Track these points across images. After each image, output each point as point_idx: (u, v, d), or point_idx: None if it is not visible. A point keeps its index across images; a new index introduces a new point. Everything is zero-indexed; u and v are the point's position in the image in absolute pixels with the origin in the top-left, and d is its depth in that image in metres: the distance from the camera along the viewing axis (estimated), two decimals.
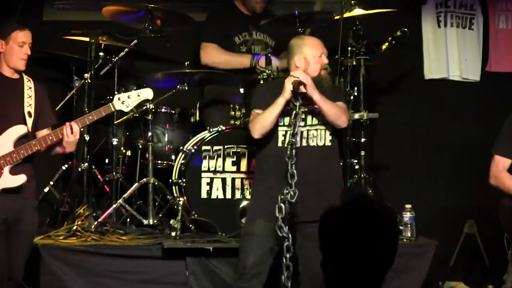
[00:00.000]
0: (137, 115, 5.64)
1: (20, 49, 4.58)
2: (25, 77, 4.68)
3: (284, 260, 4.41)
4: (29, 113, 4.58)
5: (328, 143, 4.74)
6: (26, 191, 4.59)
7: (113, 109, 4.70)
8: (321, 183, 4.63)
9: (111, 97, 5.76)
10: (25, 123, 4.56)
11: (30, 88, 4.65)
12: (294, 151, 4.49)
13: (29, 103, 4.59)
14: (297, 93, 4.56)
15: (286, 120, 4.67)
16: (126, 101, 4.69)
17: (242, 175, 5.46)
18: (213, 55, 5.95)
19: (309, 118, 4.73)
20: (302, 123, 4.68)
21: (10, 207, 4.53)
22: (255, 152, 4.98)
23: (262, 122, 4.67)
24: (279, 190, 4.48)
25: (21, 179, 4.52)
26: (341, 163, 5.10)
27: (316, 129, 4.72)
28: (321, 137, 4.72)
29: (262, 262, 4.63)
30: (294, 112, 4.55)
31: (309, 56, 4.74)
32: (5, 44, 4.58)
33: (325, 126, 4.72)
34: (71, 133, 4.53)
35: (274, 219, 4.47)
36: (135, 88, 4.75)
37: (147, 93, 4.76)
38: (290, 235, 4.42)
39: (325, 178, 4.67)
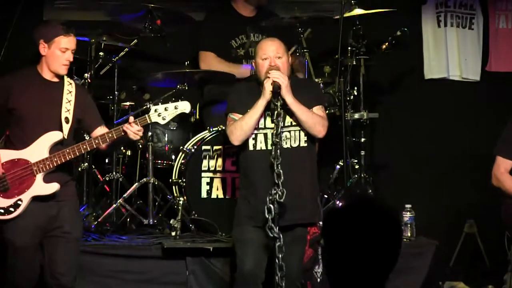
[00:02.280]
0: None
1: (62, 54, 4.44)
2: (67, 80, 4.55)
3: (276, 261, 4.39)
4: (66, 118, 4.45)
5: (303, 144, 4.66)
6: (61, 195, 4.44)
7: (148, 121, 4.51)
8: (295, 186, 4.52)
9: (110, 97, 5.80)
10: (60, 129, 4.44)
11: (70, 92, 4.52)
12: (278, 151, 4.45)
13: (67, 109, 4.47)
14: (278, 93, 4.53)
15: (267, 123, 4.63)
16: (162, 113, 4.51)
17: None
18: (213, 66, 5.94)
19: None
20: (271, 125, 4.60)
21: (44, 213, 4.41)
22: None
23: (242, 127, 4.59)
24: (261, 193, 4.49)
25: (53, 187, 4.40)
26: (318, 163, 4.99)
27: (289, 131, 4.63)
28: (295, 139, 4.64)
29: (257, 266, 4.59)
30: (276, 112, 4.52)
31: (256, 60, 4.72)
32: (48, 48, 4.45)
33: (299, 127, 4.64)
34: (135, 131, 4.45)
35: (260, 222, 4.47)
36: (173, 99, 4.64)
37: (184, 106, 4.57)
38: (281, 235, 4.41)
39: (299, 181, 4.58)
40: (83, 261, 5.12)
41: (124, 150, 5.82)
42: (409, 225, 5.48)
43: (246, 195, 4.67)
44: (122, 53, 5.77)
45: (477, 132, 6.53)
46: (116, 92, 5.78)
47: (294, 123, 4.63)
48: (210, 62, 5.98)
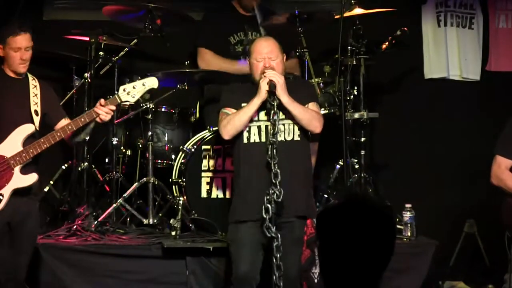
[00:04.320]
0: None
1: (15, 54, 4.54)
2: (30, 76, 4.66)
3: (274, 260, 4.40)
4: (36, 111, 4.55)
5: (296, 138, 4.67)
6: (34, 191, 4.58)
7: (119, 101, 4.61)
8: (288, 180, 4.51)
9: (110, 96, 5.79)
10: (32, 122, 4.54)
11: (35, 86, 4.63)
12: (275, 150, 4.48)
13: (35, 102, 4.56)
14: (273, 93, 4.54)
15: (260, 115, 4.64)
16: (131, 91, 4.61)
17: None
18: (210, 64, 5.94)
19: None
20: (265, 118, 4.63)
21: (18, 209, 4.51)
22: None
23: (234, 123, 4.62)
24: (254, 185, 4.51)
25: (32, 177, 4.50)
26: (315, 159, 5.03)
27: (284, 124, 4.65)
28: (289, 132, 4.66)
29: (252, 267, 4.59)
30: (272, 112, 4.53)
31: (250, 59, 4.75)
32: (2, 49, 4.57)
33: (293, 121, 4.65)
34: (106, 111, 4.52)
35: (254, 215, 4.49)
36: (139, 78, 4.72)
37: (152, 82, 4.67)
38: (279, 235, 4.41)
39: (292, 175, 4.58)
40: (83, 261, 5.13)
41: (124, 150, 5.83)
42: (409, 225, 5.47)
43: (239, 188, 4.67)
44: (122, 53, 5.76)
45: (477, 132, 6.53)
46: (116, 92, 5.77)
47: (287, 117, 4.66)
48: (207, 59, 5.99)
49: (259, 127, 4.64)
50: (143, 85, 4.64)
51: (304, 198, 4.67)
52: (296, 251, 4.60)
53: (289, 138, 4.66)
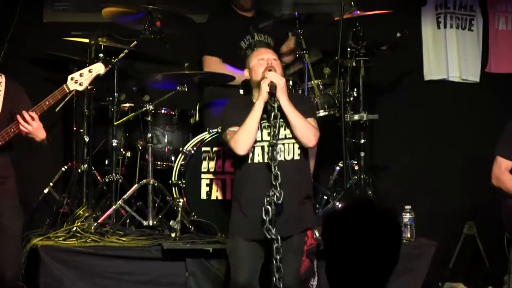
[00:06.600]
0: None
1: None
2: None
3: (274, 262, 4.39)
4: None
5: (296, 157, 4.63)
6: (2, 191, 4.52)
7: (67, 90, 4.59)
8: (288, 198, 4.48)
9: (110, 98, 5.81)
10: None
11: (0, 82, 4.58)
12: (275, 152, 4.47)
13: None
14: (273, 94, 4.54)
15: (263, 135, 4.61)
16: (79, 79, 4.61)
17: None
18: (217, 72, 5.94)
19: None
20: (268, 138, 4.58)
21: None
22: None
23: (245, 133, 4.54)
24: (256, 206, 4.49)
25: None
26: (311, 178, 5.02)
27: (283, 143, 4.60)
28: (289, 151, 4.61)
29: (251, 279, 4.57)
30: (273, 113, 4.52)
31: (251, 64, 4.74)
32: None
33: (294, 140, 4.61)
34: (25, 122, 4.42)
35: (254, 235, 4.49)
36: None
37: (98, 67, 4.69)
38: (279, 237, 4.41)
39: (292, 193, 4.54)
40: (82, 263, 5.13)
41: (123, 152, 5.83)
42: (408, 226, 5.47)
43: (242, 207, 4.63)
44: (121, 55, 5.76)
45: (477, 133, 6.53)
46: (115, 94, 5.78)
47: (288, 136, 4.61)
48: (214, 68, 5.96)
49: (262, 147, 4.60)
50: (90, 71, 4.66)
51: (302, 216, 4.62)
52: (295, 260, 4.56)
53: (289, 158, 4.61)
